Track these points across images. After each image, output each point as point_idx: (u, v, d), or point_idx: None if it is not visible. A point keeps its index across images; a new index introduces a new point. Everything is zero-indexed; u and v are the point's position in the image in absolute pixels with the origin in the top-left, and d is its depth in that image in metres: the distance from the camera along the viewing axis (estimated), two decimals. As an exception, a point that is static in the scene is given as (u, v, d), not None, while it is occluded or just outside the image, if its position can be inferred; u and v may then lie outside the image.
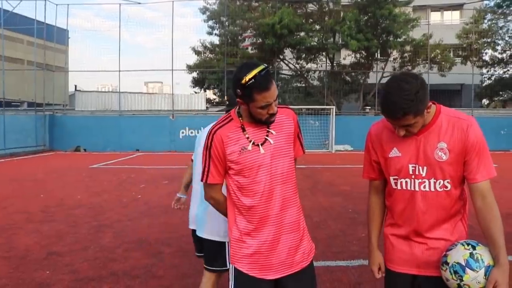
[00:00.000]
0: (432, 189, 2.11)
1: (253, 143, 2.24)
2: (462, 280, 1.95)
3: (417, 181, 2.12)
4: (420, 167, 2.11)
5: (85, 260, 5.14)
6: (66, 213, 7.68)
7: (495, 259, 1.96)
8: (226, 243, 3.04)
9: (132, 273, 4.70)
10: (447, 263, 2.01)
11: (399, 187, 2.19)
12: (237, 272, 2.33)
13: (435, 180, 2.10)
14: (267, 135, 2.27)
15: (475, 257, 1.96)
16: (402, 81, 1.98)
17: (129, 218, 7.31)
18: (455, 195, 2.14)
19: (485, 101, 35.37)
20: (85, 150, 21.93)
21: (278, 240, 2.29)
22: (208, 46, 31.95)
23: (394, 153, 2.16)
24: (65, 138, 21.85)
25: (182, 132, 22.38)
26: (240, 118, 2.30)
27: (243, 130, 2.27)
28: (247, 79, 2.09)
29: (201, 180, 2.36)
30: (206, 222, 3.21)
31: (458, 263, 1.97)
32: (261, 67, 2.13)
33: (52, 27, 24.82)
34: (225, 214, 2.44)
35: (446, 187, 2.10)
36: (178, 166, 15.13)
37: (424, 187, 2.12)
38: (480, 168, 2.07)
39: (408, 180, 2.15)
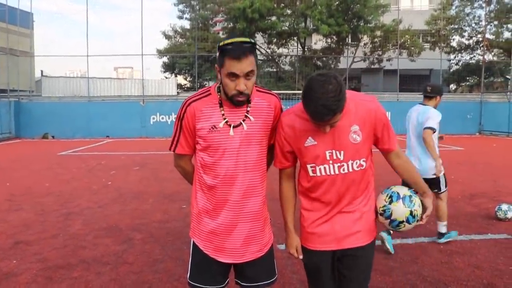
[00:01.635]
0: (351, 169, 2.21)
1: (226, 122, 2.21)
2: (414, 205, 2.27)
3: (336, 165, 2.20)
4: (337, 152, 2.18)
5: (54, 248, 5.05)
6: (33, 201, 7.50)
7: (423, 194, 2.37)
8: None
9: (102, 260, 4.65)
10: (399, 197, 2.27)
11: (318, 174, 2.23)
12: (194, 246, 2.39)
13: (352, 161, 2.20)
14: (243, 120, 2.23)
15: (412, 192, 2.34)
16: (325, 83, 1.99)
17: (99, 205, 7.21)
18: (368, 170, 2.29)
19: (452, 86, 36.20)
20: (53, 137, 21.41)
21: (235, 226, 2.30)
22: (179, 30, 31.51)
23: (310, 142, 2.20)
24: (32, 125, 21.24)
25: (153, 118, 22.09)
26: (218, 94, 2.27)
27: (220, 105, 2.23)
28: (224, 43, 2.10)
29: (169, 149, 2.36)
30: None
31: (406, 195, 2.29)
32: (245, 39, 2.11)
33: (15, 9, 23.93)
34: (192, 184, 2.45)
35: (362, 165, 2.23)
36: (149, 152, 15.01)
37: (343, 169, 2.21)
38: (391, 138, 2.30)
39: (326, 166, 2.21)
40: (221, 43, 2.11)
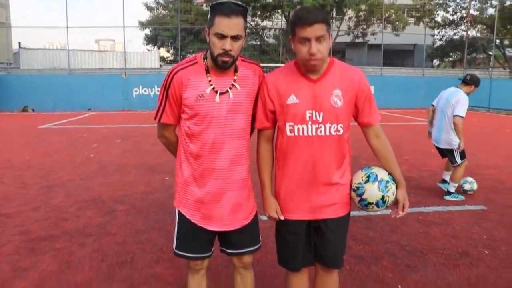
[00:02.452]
0: (327, 133, 2.23)
1: (213, 88, 2.22)
2: (388, 192, 2.28)
3: (314, 126, 2.22)
4: (317, 113, 2.21)
5: (36, 220, 5.02)
6: (14, 174, 7.42)
7: (398, 183, 2.34)
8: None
9: (85, 232, 4.66)
10: (376, 179, 2.28)
11: (295, 133, 2.25)
12: (180, 215, 2.40)
13: (330, 125, 2.22)
14: (230, 88, 2.25)
15: (391, 178, 2.34)
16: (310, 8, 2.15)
17: (82, 177, 7.17)
18: (345, 140, 2.30)
19: (435, 62, 36.40)
20: (33, 110, 21.03)
21: (223, 194, 2.33)
22: (161, 2, 30.84)
23: (292, 99, 2.23)
24: (11, 98, 20.79)
25: (135, 91, 21.82)
26: (205, 61, 2.27)
27: (207, 72, 2.24)
28: (217, 2, 2.10)
29: (155, 119, 2.35)
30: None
31: (383, 179, 2.29)
32: (238, 2, 2.12)
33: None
34: (175, 155, 2.46)
35: (339, 131, 2.25)
36: (132, 125, 14.89)
37: (320, 131, 2.22)
38: (373, 112, 2.32)
39: (305, 126, 2.23)
40: (214, 3, 2.13)
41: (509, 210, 5.35)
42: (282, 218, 2.39)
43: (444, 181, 6.21)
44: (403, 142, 10.63)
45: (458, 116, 5.71)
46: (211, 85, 2.22)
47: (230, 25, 2.10)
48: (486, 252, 4.10)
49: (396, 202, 2.34)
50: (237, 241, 2.43)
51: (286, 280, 2.61)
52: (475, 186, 6.11)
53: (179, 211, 2.42)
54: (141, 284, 3.49)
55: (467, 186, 6.09)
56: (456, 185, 5.90)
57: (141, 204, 5.65)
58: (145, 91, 21.67)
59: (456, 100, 5.81)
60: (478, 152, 9.50)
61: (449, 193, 5.88)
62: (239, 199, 2.37)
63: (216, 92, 2.22)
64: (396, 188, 2.32)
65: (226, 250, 2.50)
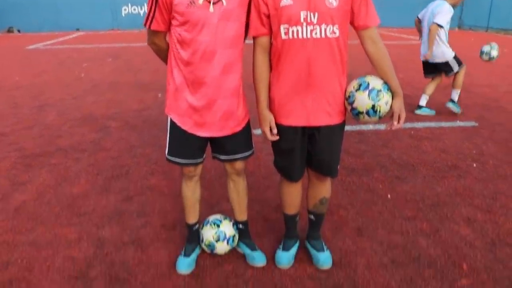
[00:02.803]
0: (323, 35, 2.15)
1: None
2: (379, 101, 2.21)
3: (308, 28, 2.14)
4: (312, 14, 2.12)
5: (30, 138, 5.04)
6: (4, 94, 7.32)
7: (394, 93, 2.26)
8: None
9: (79, 148, 4.69)
10: (367, 88, 2.21)
11: (290, 36, 2.18)
12: (172, 122, 2.41)
13: (325, 26, 2.14)
14: None
15: (385, 88, 2.25)
16: None
17: (73, 96, 7.10)
18: (341, 44, 2.23)
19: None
20: (19, 31, 20.32)
21: (214, 102, 2.31)
22: None
23: (286, 1, 2.14)
24: (-6, 18, 20.02)
25: (125, 9, 20.98)
26: None
27: None
28: None
29: (144, 25, 2.27)
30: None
31: (375, 88, 2.21)
32: None
33: None
34: (165, 62, 2.42)
35: (335, 33, 2.17)
36: (122, 44, 14.53)
37: (316, 33, 2.15)
38: (369, 14, 2.21)
39: (299, 28, 2.15)
40: None
41: (500, 127, 5.42)
42: (272, 138, 2.38)
43: (452, 101, 6.03)
44: (398, 60, 10.47)
45: (436, 23, 5.64)
46: None
47: None
48: (474, 165, 4.20)
49: (391, 113, 2.28)
50: (229, 147, 2.46)
51: (280, 188, 2.67)
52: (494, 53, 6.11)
53: (170, 118, 2.41)
54: (137, 195, 3.58)
55: (493, 53, 6.10)
56: (459, 91, 5.94)
57: (134, 121, 5.65)
58: (134, 9, 20.87)
59: (438, 12, 5.69)
60: (474, 71, 9.42)
61: (453, 101, 5.94)
62: (231, 107, 2.35)
63: (209, 1, 2.13)
64: (392, 99, 2.27)
65: (218, 156, 2.53)
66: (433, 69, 6.02)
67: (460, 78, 5.91)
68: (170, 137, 2.44)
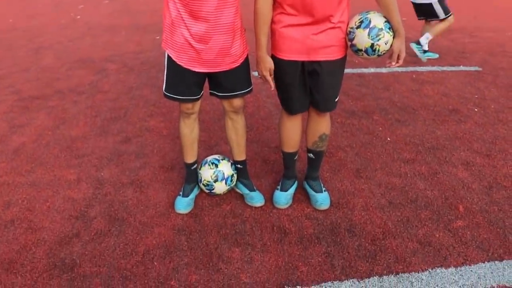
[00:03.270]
0: None
1: None
2: (379, 40, 2.16)
3: None
4: None
5: (27, 81, 4.97)
6: (-1, 36, 7.17)
7: (395, 32, 2.19)
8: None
9: (77, 90, 4.64)
10: (368, 26, 2.15)
11: None
12: (168, 57, 2.36)
13: None
14: None
15: (387, 26, 2.18)
16: None
17: (70, 39, 6.94)
18: None
19: None
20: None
21: (210, 37, 2.23)
22: None
23: None
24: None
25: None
26: None
27: None
28: None
29: None
30: None
31: (376, 26, 2.15)
32: None
33: None
34: None
35: None
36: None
37: None
38: None
39: None
40: None
41: (503, 71, 5.32)
42: (272, 88, 2.38)
43: (418, 43, 5.62)
44: (402, 3, 10.13)
45: None
46: None
47: None
48: (475, 110, 4.16)
49: (392, 52, 2.24)
50: (226, 84, 2.41)
51: (280, 124, 2.65)
52: None
53: (167, 54, 2.36)
54: (135, 136, 3.57)
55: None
56: (430, 38, 5.57)
57: (132, 63, 5.55)
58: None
59: None
60: (480, 14, 9.17)
61: (419, 44, 5.54)
62: (227, 42, 2.28)
63: None
64: (393, 38, 2.21)
65: (216, 93, 2.49)
66: (420, 10, 5.69)
67: (440, 26, 5.56)
68: (167, 72, 2.40)
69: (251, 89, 2.52)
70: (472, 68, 5.45)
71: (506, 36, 7.28)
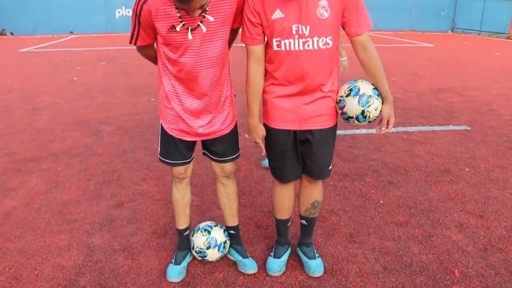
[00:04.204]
0: (316, 47, 2.14)
1: (183, 25, 2.07)
2: (369, 107, 2.22)
3: (301, 41, 2.13)
4: (303, 27, 2.10)
5: (21, 142, 5.00)
6: (-4, 97, 7.27)
7: (384, 99, 2.27)
8: None
9: (71, 152, 4.66)
10: (358, 93, 2.22)
11: (282, 48, 2.16)
12: (162, 127, 2.45)
13: (318, 38, 2.13)
14: (201, 21, 2.09)
15: (375, 93, 2.26)
16: None
17: (66, 100, 7.05)
18: (334, 50, 2.22)
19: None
20: (11, 34, 20.21)
21: (200, 113, 2.34)
22: None
23: (277, 14, 2.11)
24: (-13, 21, 19.87)
25: (119, 12, 20.92)
26: None
27: (176, 7, 2.04)
28: None
29: (130, 43, 2.25)
30: None
31: (365, 94, 2.22)
32: None
33: None
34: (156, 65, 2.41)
35: (328, 44, 2.16)
36: (116, 47, 14.48)
37: (308, 46, 2.14)
38: (360, 21, 2.17)
39: (291, 40, 2.13)
40: None
41: (492, 130, 5.44)
42: (263, 153, 2.45)
43: None
44: (391, 63, 10.51)
45: None
46: (181, 21, 2.07)
47: (191, 5, 1.91)
48: (466, 169, 4.21)
49: (381, 118, 2.30)
50: (217, 149, 2.49)
51: (272, 191, 2.66)
52: None
53: (161, 123, 2.45)
54: (128, 201, 3.55)
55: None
56: None
57: (127, 125, 5.62)
58: (128, 12, 20.74)
59: None
60: (465, 74, 9.48)
61: None
62: (218, 115, 2.39)
63: (187, 29, 2.09)
64: (382, 104, 2.28)
65: (208, 154, 2.56)
66: None
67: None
68: (161, 140, 2.49)
69: (239, 154, 2.60)
70: (461, 127, 5.57)
71: (492, 94, 7.51)
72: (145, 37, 2.21)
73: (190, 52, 2.16)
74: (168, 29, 2.09)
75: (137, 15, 2.12)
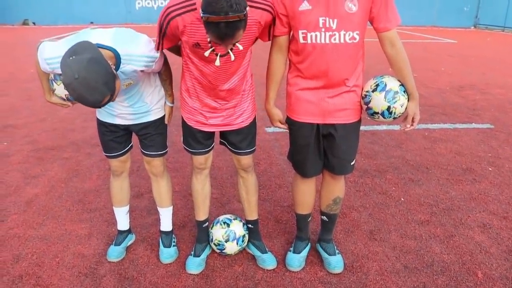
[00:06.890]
0: (342, 41, 2.10)
1: (213, 51, 2.02)
2: (395, 103, 2.19)
3: (327, 34, 2.09)
4: (331, 20, 2.06)
5: (43, 131, 5.07)
6: (18, 87, 7.37)
7: (410, 95, 2.24)
8: None
9: (92, 142, 4.70)
10: (384, 89, 2.19)
11: (308, 41, 2.13)
12: (182, 120, 2.49)
13: (345, 32, 2.09)
14: (231, 49, 2.02)
15: (402, 89, 2.23)
16: None
17: (86, 90, 7.10)
18: (360, 45, 2.19)
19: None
20: (34, 23, 20.48)
21: (219, 111, 2.37)
22: None
23: (305, 6, 2.08)
24: (10, 11, 20.11)
25: (138, 3, 21.01)
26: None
27: (207, 31, 1.89)
28: (206, 18, 1.76)
29: (156, 49, 2.20)
30: None
31: (392, 90, 2.19)
32: (233, 15, 1.74)
33: None
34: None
35: (355, 38, 2.12)
36: (136, 40, 14.52)
37: (334, 39, 2.10)
38: (389, 16, 2.14)
39: (318, 33, 2.10)
40: (204, 15, 1.76)
41: (516, 129, 5.32)
42: (285, 127, 2.44)
43: None
44: (412, 59, 10.22)
45: None
46: (211, 47, 2.01)
47: (224, 43, 1.87)
48: (490, 169, 4.12)
49: (406, 115, 2.27)
50: (234, 140, 2.50)
51: (293, 186, 2.64)
52: None
53: (182, 115, 2.48)
54: (147, 192, 3.57)
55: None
56: None
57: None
58: (148, 3, 20.88)
59: None
60: (488, 71, 9.30)
61: None
62: (236, 110, 2.41)
63: (217, 54, 2.05)
64: (408, 101, 2.24)
65: (225, 143, 2.58)
66: None
67: None
68: (183, 129, 2.52)
69: (255, 149, 2.60)
70: (485, 126, 5.46)
71: (516, 93, 7.34)
72: (170, 41, 2.19)
73: (211, 67, 2.16)
74: (194, 45, 2.07)
75: (162, 29, 2.09)
